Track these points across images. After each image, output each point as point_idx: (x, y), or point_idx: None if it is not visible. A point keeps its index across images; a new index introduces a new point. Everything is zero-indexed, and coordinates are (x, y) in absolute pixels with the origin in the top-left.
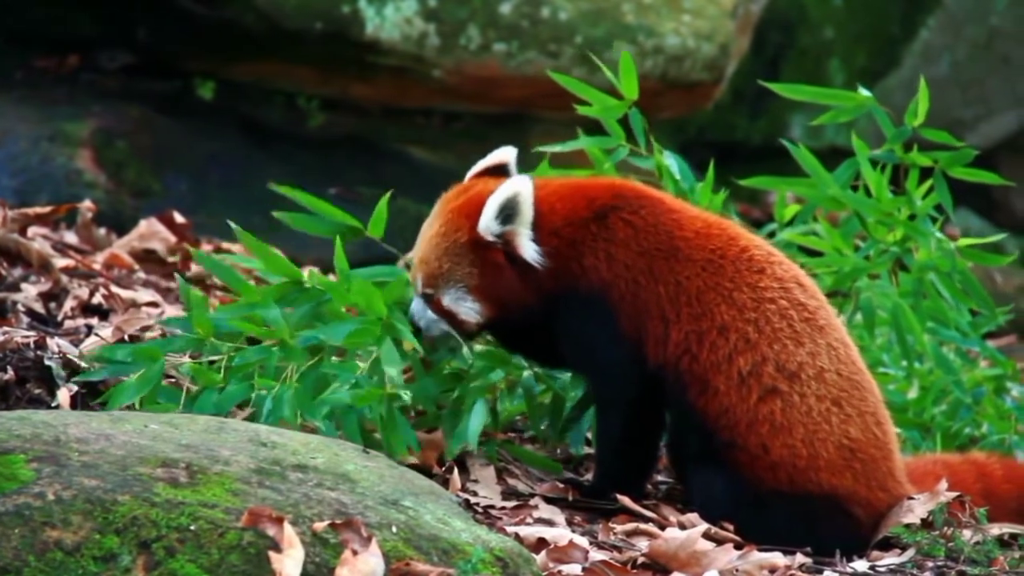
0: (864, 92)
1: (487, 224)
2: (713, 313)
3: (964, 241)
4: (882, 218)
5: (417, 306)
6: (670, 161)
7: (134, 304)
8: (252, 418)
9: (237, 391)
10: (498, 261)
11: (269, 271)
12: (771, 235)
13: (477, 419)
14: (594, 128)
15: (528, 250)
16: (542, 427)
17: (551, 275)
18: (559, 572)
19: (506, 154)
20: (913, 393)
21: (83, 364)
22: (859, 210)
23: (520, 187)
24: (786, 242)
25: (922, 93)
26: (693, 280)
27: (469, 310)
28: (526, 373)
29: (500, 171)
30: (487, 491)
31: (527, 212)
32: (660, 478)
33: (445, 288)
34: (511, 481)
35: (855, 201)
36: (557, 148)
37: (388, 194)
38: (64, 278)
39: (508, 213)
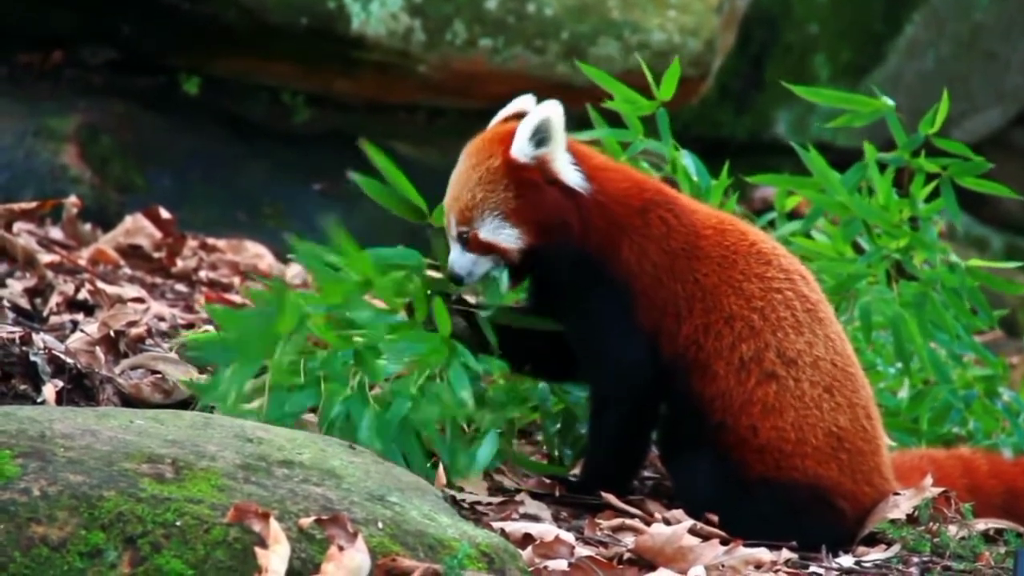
0: (886, 100)
1: (520, 147)
2: (722, 305)
3: (974, 262)
4: (889, 229)
5: (455, 254)
6: (687, 160)
7: (120, 300)
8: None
9: (309, 395)
10: (535, 180)
11: (351, 268)
12: (771, 224)
13: (487, 449)
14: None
15: (568, 172)
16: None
17: (596, 227)
18: (545, 568)
19: (527, 102)
20: (904, 392)
21: (68, 360)
22: (867, 219)
23: (552, 111)
24: (785, 239)
25: (943, 103)
26: (709, 276)
27: (509, 236)
28: (541, 384)
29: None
30: (473, 487)
31: (560, 135)
32: (647, 473)
33: (481, 219)
34: (497, 477)
35: (864, 210)
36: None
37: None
38: (49, 274)
39: (541, 137)
